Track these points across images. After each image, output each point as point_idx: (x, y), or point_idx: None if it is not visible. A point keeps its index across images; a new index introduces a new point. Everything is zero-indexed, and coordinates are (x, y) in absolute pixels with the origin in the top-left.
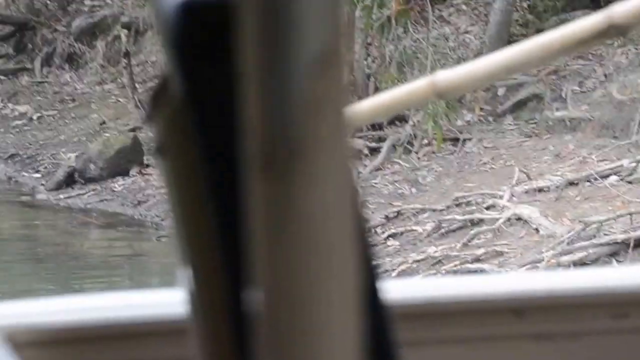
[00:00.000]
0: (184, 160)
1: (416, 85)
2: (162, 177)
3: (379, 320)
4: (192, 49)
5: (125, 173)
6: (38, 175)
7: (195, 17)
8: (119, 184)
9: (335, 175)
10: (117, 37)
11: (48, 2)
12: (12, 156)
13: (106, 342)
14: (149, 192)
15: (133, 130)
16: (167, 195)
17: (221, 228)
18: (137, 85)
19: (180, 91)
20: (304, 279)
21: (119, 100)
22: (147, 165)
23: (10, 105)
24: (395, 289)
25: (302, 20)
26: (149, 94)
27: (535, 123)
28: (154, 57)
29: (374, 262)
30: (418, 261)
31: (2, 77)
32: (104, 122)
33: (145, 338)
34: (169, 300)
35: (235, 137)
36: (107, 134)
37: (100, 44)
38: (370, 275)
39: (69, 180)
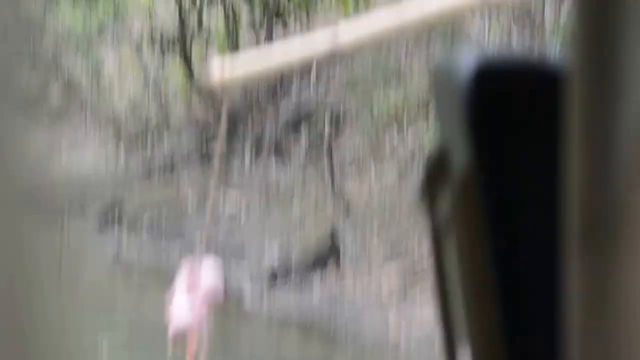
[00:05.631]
0: (469, 227)
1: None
2: (439, 247)
3: None
4: (487, 119)
5: (323, 265)
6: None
7: (490, 87)
8: (316, 274)
9: None
10: (320, 127)
11: (259, 95)
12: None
13: None
14: (346, 282)
15: (331, 222)
16: (442, 266)
17: (507, 302)
18: (336, 175)
19: (468, 161)
20: (624, 355)
21: (318, 192)
22: (343, 259)
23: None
24: None
25: (631, 85)
26: (423, 167)
27: None
28: (351, 147)
29: None
30: None
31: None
32: (303, 214)
33: None
34: None
35: (532, 205)
36: (307, 224)
37: (304, 135)
38: None
39: (273, 271)
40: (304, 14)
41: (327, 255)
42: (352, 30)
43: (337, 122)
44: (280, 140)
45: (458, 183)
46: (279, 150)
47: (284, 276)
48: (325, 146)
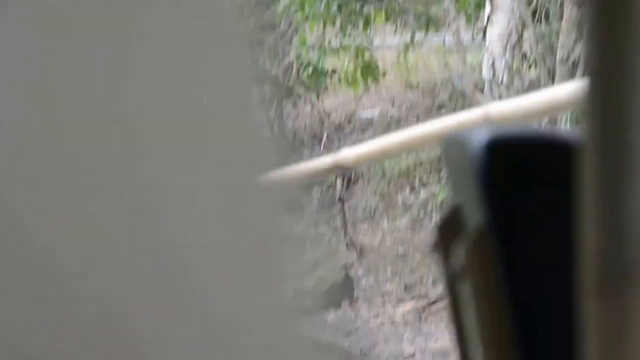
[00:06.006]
0: (484, 282)
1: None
2: (455, 299)
3: None
4: (497, 182)
5: (337, 306)
6: None
7: (500, 153)
8: (331, 316)
9: None
10: (332, 185)
11: None
12: None
13: None
14: (359, 324)
15: (344, 268)
16: (459, 316)
17: (524, 352)
18: (348, 227)
19: (480, 220)
20: None
21: (331, 241)
22: (357, 300)
23: None
24: None
25: None
26: (437, 224)
27: None
28: (363, 203)
29: None
30: None
31: None
32: (317, 261)
33: None
34: None
35: (536, 258)
36: (320, 271)
37: (315, 192)
38: None
39: None
40: (313, 95)
41: (341, 297)
42: (355, 153)
43: (348, 182)
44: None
45: (472, 239)
46: (290, 208)
47: None
48: (337, 200)
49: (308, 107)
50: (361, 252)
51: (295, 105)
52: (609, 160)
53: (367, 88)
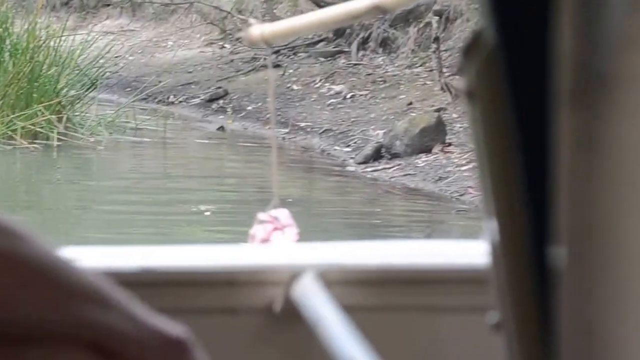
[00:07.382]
0: (493, 106)
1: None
2: (471, 122)
3: None
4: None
5: (428, 150)
6: (348, 149)
7: None
8: (421, 160)
9: None
10: (429, 24)
11: None
12: (325, 131)
13: (406, 286)
14: (450, 169)
15: (438, 110)
16: (474, 141)
17: (528, 177)
18: (444, 69)
19: (492, 41)
20: (610, 211)
21: (426, 83)
22: (449, 144)
23: (327, 84)
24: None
25: None
26: (462, 46)
27: None
28: (461, 43)
29: None
30: None
31: (321, 59)
32: (411, 103)
33: (440, 284)
34: (471, 251)
35: (545, 81)
36: (413, 114)
37: (412, 30)
38: None
39: (376, 155)
40: None
41: (433, 141)
42: None
43: (446, 20)
44: (388, 36)
45: (481, 59)
46: (387, 46)
47: (389, 159)
48: (432, 40)
49: None
50: (456, 95)
51: None
52: None
53: None
